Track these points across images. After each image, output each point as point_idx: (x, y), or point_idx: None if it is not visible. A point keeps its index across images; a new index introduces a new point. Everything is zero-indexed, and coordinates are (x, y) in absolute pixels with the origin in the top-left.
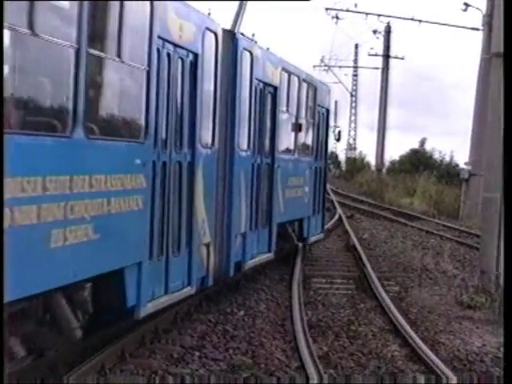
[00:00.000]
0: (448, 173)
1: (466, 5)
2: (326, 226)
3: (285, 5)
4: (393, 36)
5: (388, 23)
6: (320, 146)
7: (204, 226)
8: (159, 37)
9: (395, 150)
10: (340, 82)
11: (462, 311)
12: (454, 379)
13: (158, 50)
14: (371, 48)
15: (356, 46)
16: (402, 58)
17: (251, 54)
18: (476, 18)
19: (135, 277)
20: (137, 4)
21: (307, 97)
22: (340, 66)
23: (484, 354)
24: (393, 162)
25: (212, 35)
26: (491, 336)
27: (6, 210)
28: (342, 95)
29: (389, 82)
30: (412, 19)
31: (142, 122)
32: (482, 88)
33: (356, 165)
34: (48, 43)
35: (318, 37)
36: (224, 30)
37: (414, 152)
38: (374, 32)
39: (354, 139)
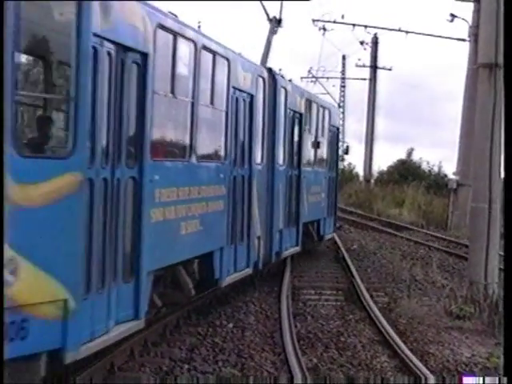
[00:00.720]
0: (436, 183)
1: (453, 16)
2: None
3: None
4: (380, 47)
5: (375, 34)
6: (332, 159)
7: (257, 223)
8: (232, 86)
9: (384, 161)
10: (328, 93)
11: (451, 321)
12: None
13: (231, 96)
14: (359, 59)
15: (343, 57)
16: (390, 69)
17: (285, 89)
18: (462, 28)
19: (219, 258)
20: (221, 65)
21: (323, 119)
22: (328, 78)
23: (473, 364)
24: (381, 173)
25: (261, 79)
26: (480, 346)
27: (160, 209)
28: None
29: (377, 92)
30: (399, 30)
31: (223, 148)
32: (469, 98)
33: (344, 176)
34: (179, 100)
35: (306, 48)
36: (268, 74)
37: (401, 163)
38: (362, 43)
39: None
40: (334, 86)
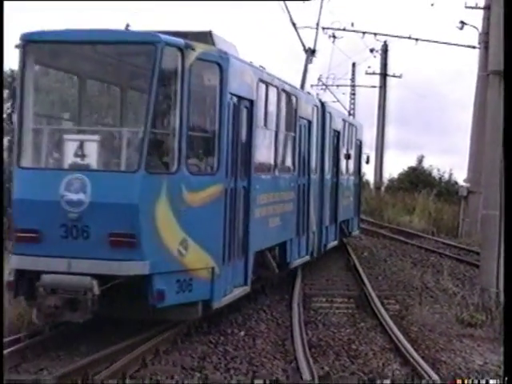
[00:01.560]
0: (447, 190)
1: (463, 23)
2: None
3: (287, 25)
4: (390, 54)
5: (385, 42)
6: (357, 168)
7: (312, 221)
8: (299, 116)
9: (394, 168)
10: (338, 100)
11: (462, 329)
12: None
13: (298, 123)
14: (369, 67)
15: (353, 65)
16: (400, 77)
17: (330, 114)
18: (472, 35)
19: (289, 247)
20: (292, 101)
21: (352, 134)
22: (338, 85)
23: (485, 372)
24: (392, 180)
25: (315, 108)
26: (492, 354)
27: (259, 209)
28: None
29: (387, 100)
30: (409, 37)
31: (292, 163)
32: (480, 105)
33: None
34: (269, 130)
35: (316, 55)
36: (319, 102)
37: (412, 170)
38: (371, 51)
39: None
40: (343, 93)
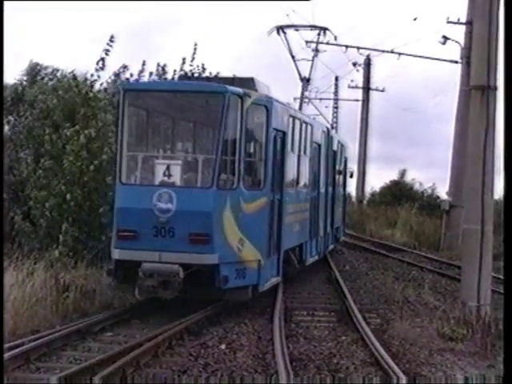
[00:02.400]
0: (429, 204)
1: (445, 38)
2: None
3: (265, 37)
4: (373, 68)
5: (368, 56)
6: (343, 181)
7: (320, 227)
8: (313, 141)
9: (377, 182)
10: (321, 114)
11: (443, 343)
12: None
13: (312, 147)
14: (351, 80)
15: (336, 79)
16: (383, 90)
17: (332, 137)
18: (455, 50)
19: (305, 247)
20: (309, 129)
21: (343, 153)
22: (321, 99)
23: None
24: (374, 194)
25: (323, 133)
26: (473, 368)
27: (288, 217)
28: None
29: (371, 113)
30: (392, 52)
31: (307, 180)
32: (461, 119)
33: None
34: (293, 154)
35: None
36: (326, 127)
37: (394, 183)
38: (354, 64)
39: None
40: (326, 106)
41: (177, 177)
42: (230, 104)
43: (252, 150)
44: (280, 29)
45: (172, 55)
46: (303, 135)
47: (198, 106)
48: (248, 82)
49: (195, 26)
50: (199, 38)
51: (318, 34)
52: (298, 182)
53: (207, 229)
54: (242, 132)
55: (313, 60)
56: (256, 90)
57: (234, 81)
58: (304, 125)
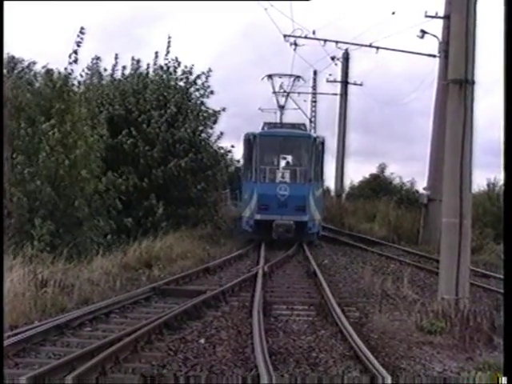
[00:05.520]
0: (408, 198)
1: (423, 32)
2: (287, 252)
3: (245, 30)
4: (351, 62)
5: (346, 50)
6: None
7: (320, 213)
8: (322, 147)
9: (357, 176)
10: (299, 108)
11: (422, 336)
12: None
13: (322, 152)
14: (330, 74)
15: (315, 73)
16: (361, 84)
17: (323, 142)
18: (433, 44)
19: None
20: (322, 142)
21: (323, 150)
22: (299, 93)
23: (444, 378)
24: (352, 188)
25: (323, 140)
26: (451, 361)
27: (322, 201)
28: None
29: (350, 108)
30: (370, 46)
31: (320, 176)
32: (440, 113)
33: None
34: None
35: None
36: (323, 137)
37: (374, 177)
38: (333, 59)
39: None
40: (305, 101)
41: (287, 177)
42: (315, 144)
43: (318, 164)
44: (269, 76)
45: (158, 48)
46: (322, 146)
47: (298, 144)
48: (303, 125)
49: (179, 21)
50: (183, 33)
51: (294, 81)
52: (321, 178)
53: (304, 204)
54: (313, 155)
55: (288, 94)
56: (306, 130)
57: (294, 125)
58: (322, 141)
